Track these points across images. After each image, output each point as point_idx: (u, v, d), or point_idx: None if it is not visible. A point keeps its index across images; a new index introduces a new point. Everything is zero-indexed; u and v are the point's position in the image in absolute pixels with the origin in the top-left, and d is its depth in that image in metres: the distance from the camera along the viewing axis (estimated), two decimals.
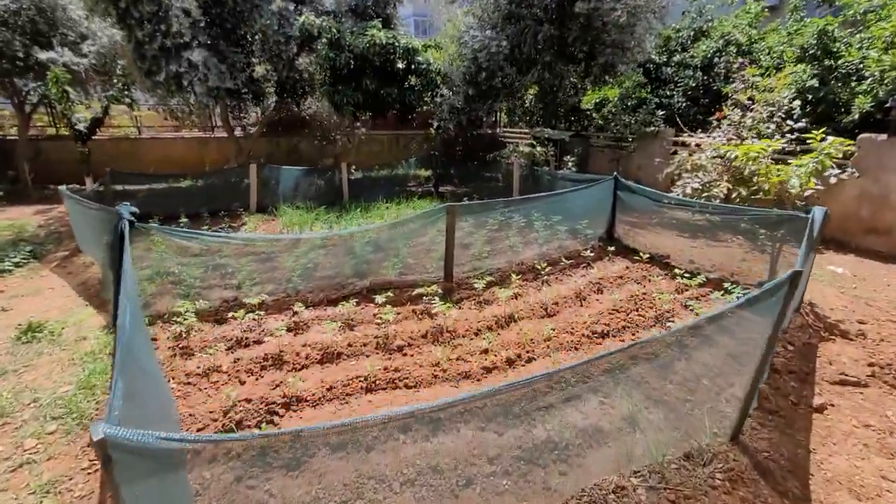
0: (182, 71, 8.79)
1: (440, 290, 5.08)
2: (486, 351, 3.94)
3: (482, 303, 5.02)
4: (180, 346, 4.06)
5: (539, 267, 5.84)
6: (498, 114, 14.78)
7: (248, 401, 3.21)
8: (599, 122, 12.18)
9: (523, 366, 3.78)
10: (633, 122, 10.40)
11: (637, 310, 4.78)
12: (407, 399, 3.32)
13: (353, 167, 13.27)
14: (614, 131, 10.84)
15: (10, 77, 11.13)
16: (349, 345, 3.99)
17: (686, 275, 5.36)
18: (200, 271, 5.27)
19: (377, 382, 3.47)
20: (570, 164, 8.86)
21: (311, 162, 14.47)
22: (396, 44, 10.40)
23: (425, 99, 12.01)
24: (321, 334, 4.15)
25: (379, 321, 4.39)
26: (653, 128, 10.15)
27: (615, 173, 6.80)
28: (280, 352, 3.86)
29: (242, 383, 3.52)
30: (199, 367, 3.68)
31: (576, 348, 4.06)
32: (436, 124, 11.89)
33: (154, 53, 8.87)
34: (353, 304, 4.83)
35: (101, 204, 8.97)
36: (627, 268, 6.06)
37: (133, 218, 4.54)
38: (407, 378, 3.52)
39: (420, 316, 4.67)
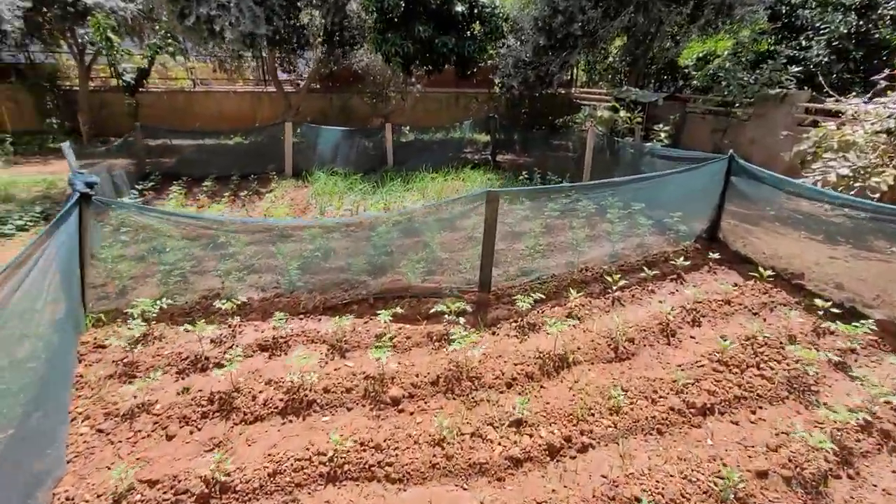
0: (213, 13, 7.85)
1: (470, 306, 3.80)
2: (518, 423, 2.65)
3: (525, 329, 3.67)
4: (126, 360, 3.18)
5: (609, 275, 4.32)
6: (574, 69, 12.61)
7: (153, 484, 2.21)
8: (701, 81, 9.78)
9: (573, 458, 2.46)
10: (750, 81, 8.04)
11: (756, 364, 3.20)
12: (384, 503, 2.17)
13: (407, 128, 12.00)
14: (722, 94, 8.52)
15: (67, 24, 10.89)
16: (327, 389, 2.87)
17: (834, 309, 3.60)
18: (185, 255, 4.38)
19: (346, 467, 2.33)
20: (661, 133, 6.93)
21: (363, 121, 13.41)
22: None
23: (489, 50, 10.27)
24: (299, 361, 3.07)
25: (378, 347, 3.23)
26: (779, 89, 7.75)
27: (731, 152, 4.92)
28: (234, 390, 2.84)
29: (169, 439, 2.54)
30: (130, 402, 2.76)
31: (659, 431, 2.64)
32: (497, 81, 10.18)
33: None
34: (353, 318, 3.70)
35: (132, 158, 8.62)
36: (738, 287, 4.35)
37: (90, 190, 3.68)
38: (392, 464, 2.35)
39: (436, 344, 3.44)
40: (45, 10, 10.17)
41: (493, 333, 3.63)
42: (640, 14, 8.26)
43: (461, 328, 3.43)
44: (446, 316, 3.52)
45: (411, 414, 2.77)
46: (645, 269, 4.53)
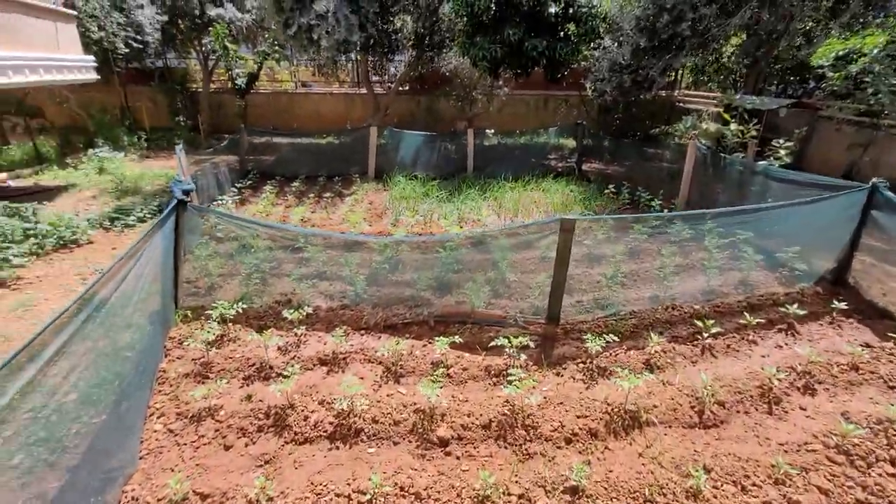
0: (312, 23, 8.30)
1: (534, 340, 3.53)
2: (574, 491, 2.37)
3: (593, 373, 3.32)
4: (202, 360, 3.41)
5: (701, 318, 3.78)
6: (679, 72, 11.46)
7: (204, 498, 2.30)
8: (840, 85, 8.29)
9: None
10: None
11: (891, 460, 2.56)
12: None
13: (491, 131, 11.81)
14: (867, 101, 7.14)
15: (195, 34, 12.27)
16: (376, 419, 2.81)
17: None
18: (265, 259, 4.64)
19: None
20: (780, 150, 5.95)
21: (449, 122, 13.45)
22: None
23: (582, 52, 9.69)
24: (354, 380, 3.06)
25: (433, 380, 3.11)
26: None
27: (874, 182, 4.05)
28: (289, 406, 2.90)
29: (227, 449, 2.65)
30: (199, 404, 2.94)
31: None
32: (590, 85, 9.57)
33: (290, 5, 8.53)
34: (412, 340, 3.64)
35: (237, 156, 9.45)
36: (871, 349, 3.56)
37: (186, 197, 4.01)
38: None
39: (493, 380, 3.24)
40: (178, 21, 11.54)
41: (558, 374, 3.34)
42: (766, 9, 7.20)
43: (521, 367, 3.19)
44: (507, 349, 3.30)
45: (458, 459, 2.61)
46: (746, 313, 3.89)
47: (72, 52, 7.18)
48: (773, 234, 4.80)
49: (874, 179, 4.13)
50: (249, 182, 8.38)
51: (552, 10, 8.51)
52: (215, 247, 4.97)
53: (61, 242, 5.45)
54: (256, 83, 13.55)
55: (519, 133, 12.53)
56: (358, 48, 9.24)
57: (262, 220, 5.94)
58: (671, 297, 4.29)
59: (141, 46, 10.51)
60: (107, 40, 9.61)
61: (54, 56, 6.62)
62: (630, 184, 7.53)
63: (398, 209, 6.92)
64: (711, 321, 3.67)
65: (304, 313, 3.76)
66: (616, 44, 8.67)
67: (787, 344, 3.69)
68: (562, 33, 9.02)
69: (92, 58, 7.83)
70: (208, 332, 3.56)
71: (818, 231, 4.55)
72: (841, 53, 9.12)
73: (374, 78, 13.84)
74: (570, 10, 8.94)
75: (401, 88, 13.24)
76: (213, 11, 10.78)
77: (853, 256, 4.45)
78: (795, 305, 3.88)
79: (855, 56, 8.76)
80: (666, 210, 6.35)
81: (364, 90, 13.95)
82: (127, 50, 10.10)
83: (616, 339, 3.48)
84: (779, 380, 3.13)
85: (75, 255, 5.39)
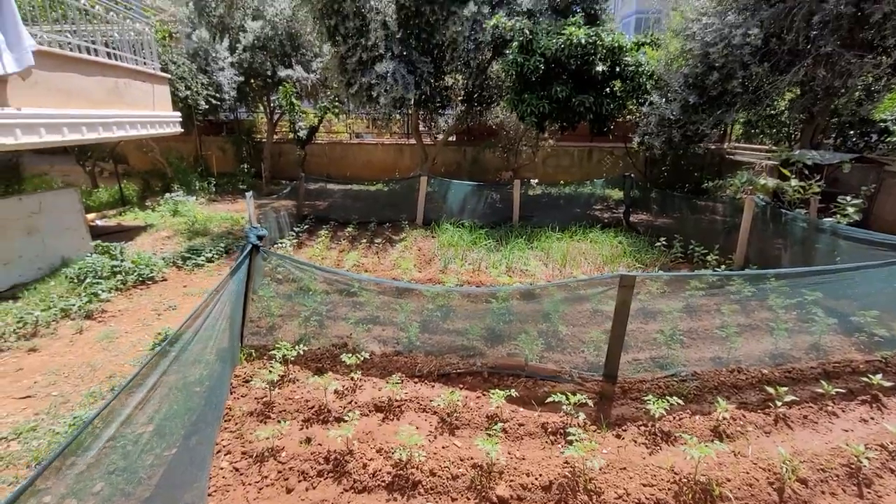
0: (373, 82, 8.99)
1: (591, 398, 3.44)
2: None
3: (657, 438, 3.17)
4: (265, 399, 3.55)
5: (772, 385, 3.57)
6: (730, 126, 11.38)
7: None
8: None
9: None
10: None
11: None
12: None
13: (536, 181, 12.05)
14: None
15: (265, 92, 13.53)
16: (433, 472, 2.80)
17: None
18: (322, 302, 4.85)
19: None
20: (848, 208, 5.70)
21: (494, 172, 13.85)
22: (598, 42, 8.65)
23: (629, 107, 9.89)
24: (410, 429, 3.08)
25: (489, 434, 3.08)
26: None
27: None
28: (348, 452, 2.94)
29: (288, 492, 2.70)
30: (263, 444, 3.04)
31: None
32: (637, 139, 9.66)
33: (353, 67, 9.32)
34: (466, 390, 3.64)
35: (295, 201, 10.07)
36: None
37: (259, 242, 4.32)
38: None
39: (551, 438, 3.16)
40: (251, 81, 12.80)
41: (618, 436, 3.21)
42: (822, 66, 7.15)
43: (580, 426, 3.11)
44: (564, 406, 3.23)
45: None
46: (822, 381, 3.64)
47: (164, 110, 8.10)
48: (847, 296, 4.54)
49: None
50: (306, 226, 8.87)
51: (599, 68, 8.80)
52: (276, 288, 5.26)
53: (140, 279, 5.94)
54: (316, 135, 14.59)
55: (564, 184, 12.70)
56: (412, 104, 9.85)
57: (320, 264, 6.24)
58: (735, 360, 4.09)
59: (218, 103, 11.68)
60: (191, 98, 10.77)
61: (150, 113, 7.49)
62: (681, 236, 7.39)
63: (447, 256, 7.08)
64: (784, 388, 3.46)
65: (361, 358, 3.86)
66: (664, 100, 8.80)
67: (872, 418, 3.40)
68: (608, 89, 9.28)
69: (178, 114, 8.78)
70: (271, 372, 3.71)
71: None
72: None
73: (423, 129, 14.57)
74: (617, 69, 9.23)
75: (448, 139, 13.86)
76: (283, 72, 11.91)
77: None
78: (879, 375, 3.60)
79: None
80: (723, 266, 6.15)
81: (413, 141, 14.70)
82: (207, 106, 11.24)
83: (679, 402, 3.33)
84: (868, 459, 2.88)
85: (151, 291, 5.84)
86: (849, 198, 5.87)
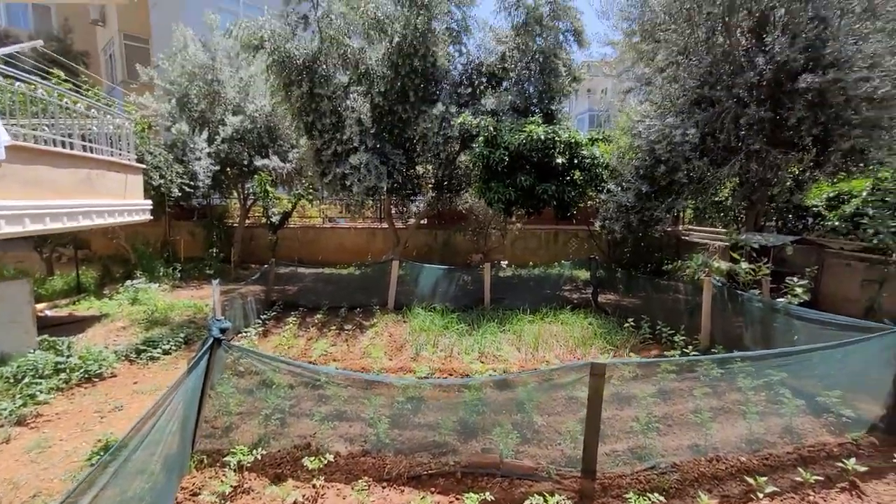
0: (347, 172, 9.39)
1: (571, 500, 3.24)
2: None
3: None
4: None
5: (751, 474, 3.48)
6: (681, 211, 12.29)
7: None
8: (836, 224, 8.78)
9: None
10: None
11: None
12: None
13: (506, 263, 12.36)
14: (869, 240, 7.46)
15: (240, 180, 13.86)
16: None
17: None
18: (286, 397, 4.58)
19: None
20: (796, 288, 6.07)
21: (465, 255, 14.18)
22: (556, 138, 9.48)
23: (589, 194, 10.62)
24: None
25: None
26: None
27: None
28: None
29: None
30: None
31: None
32: (599, 223, 10.25)
33: (328, 158, 9.78)
34: (438, 494, 3.38)
35: (264, 287, 9.88)
36: None
37: (221, 335, 4.15)
38: None
39: None
40: (227, 170, 13.14)
41: None
42: (753, 161, 8.00)
43: None
44: None
45: None
46: (800, 468, 3.59)
47: (135, 198, 8.12)
48: (810, 376, 4.65)
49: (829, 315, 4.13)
50: (274, 313, 8.63)
51: (559, 160, 9.56)
52: (237, 382, 4.95)
53: (86, 376, 5.50)
54: (289, 220, 14.78)
55: (532, 266, 13.08)
56: (384, 191, 10.25)
57: (286, 355, 6.00)
58: (713, 447, 4.02)
59: (192, 190, 11.83)
60: (164, 186, 10.89)
61: (120, 202, 7.49)
62: (648, 316, 7.56)
63: (418, 343, 6.94)
64: (763, 478, 3.38)
65: (324, 461, 3.57)
66: (620, 188, 9.52)
67: None
68: (569, 178, 10.00)
69: (149, 202, 8.81)
70: (223, 482, 3.37)
71: (856, 374, 4.41)
72: (832, 195, 9.84)
73: (395, 213, 15.04)
74: (576, 161, 10.04)
75: (420, 223, 14.28)
76: (259, 162, 12.33)
77: None
78: (853, 460, 3.59)
79: (845, 198, 9.43)
80: (690, 347, 6.26)
81: (386, 225, 15.07)
82: (180, 194, 11.35)
83: (661, 498, 3.18)
84: None
85: (97, 390, 5.37)
86: (796, 278, 6.25)
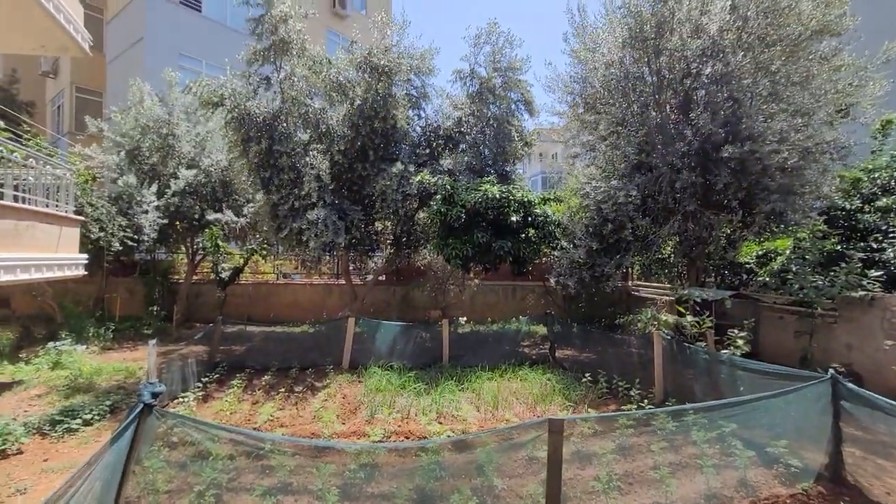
0: (304, 227, 9.27)
1: None
2: None
3: None
4: None
5: None
6: (630, 268, 12.94)
7: None
8: (767, 280, 9.53)
9: None
10: (826, 283, 7.67)
11: None
12: None
13: (464, 319, 12.30)
14: (796, 294, 8.11)
15: (189, 234, 13.32)
16: None
17: None
18: (224, 470, 4.14)
19: None
20: (738, 340, 6.42)
21: (424, 310, 14.03)
22: (511, 197, 9.92)
23: (543, 250, 11.00)
24: None
25: None
26: (863, 292, 7.27)
27: (832, 372, 4.31)
28: None
29: None
30: None
31: None
32: (553, 279, 10.55)
33: (285, 213, 9.66)
34: None
35: (208, 347, 9.22)
36: None
37: (153, 400, 3.78)
38: None
39: None
40: (177, 224, 12.64)
41: None
42: (689, 221, 8.67)
43: None
44: None
45: None
46: None
47: (68, 252, 7.56)
48: (757, 426, 4.78)
49: (831, 369, 4.41)
50: (217, 375, 8.00)
51: (514, 218, 9.94)
52: (167, 455, 4.45)
53: None
54: (240, 276, 14.20)
55: (491, 321, 13.10)
56: (342, 247, 10.16)
57: (227, 422, 5.51)
58: None
59: (135, 244, 11.22)
60: (104, 240, 10.27)
61: (51, 256, 6.94)
62: (604, 370, 7.64)
63: (374, 404, 6.59)
64: None
65: None
66: (572, 245, 9.95)
67: None
68: (523, 235, 10.37)
69: (85, 256, 8.22)
70: None
71: (798, 422, 4.58)
72: (760, 253, 10.74)
73: (353, 269, 14.85)
74: (529, 219, 10.48)
75: (378, 279, 14.12)
76: (211, 216, 11.95)
77: (841, 450, 4.39)
78: None
79: (772, 255, 10.31)
80: (646, 401, 6.33)
81: (343, 280, 14.78)
82: (121, 248, 10.72)
83: None
84: None
85: None
86: (736, 330, 6.61)
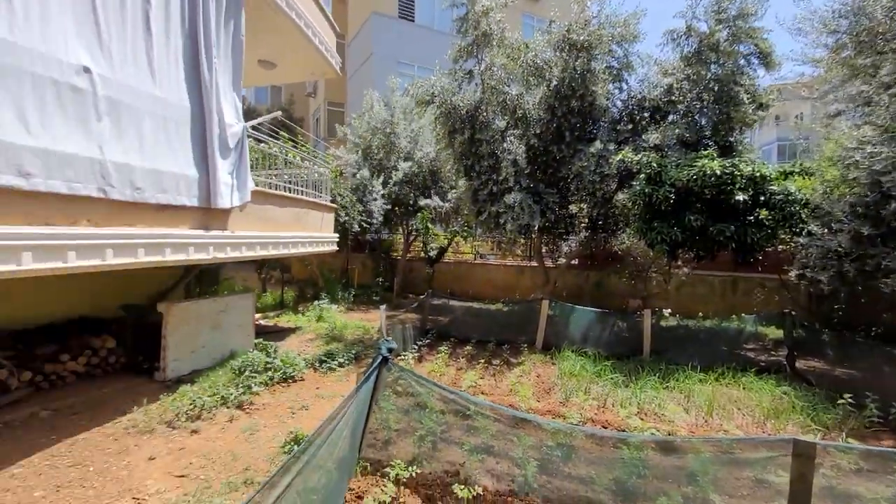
0: (501, 210, 9.77)
1: None
2: None
3: None
4: None
5: None
6: None
7: None
8: None
9: None
10: None
11: None
12: None
13: (668, 311, 11.11)
14: None
15: (405, 217, 15.54)
16: None
17: None
18: (437, 422, 4.81)
19: None
20: None
21: (619, 298, 13.21)
22: (736, 172, 8.35)
23: (780, 236, 8.94)
24: None
25: None
26: None
27: None
28: None
29: None
30: None
31: None
32: (796, 272, 8.53)
33: (484, 198, 10.34)
34: None
35: (420, 315, 10.70)
36: None
37: (389, 354, 4.63)
38: None
39: None
40: (396, 209, 14.89)
41: None
42: None
43: None
44: None
45: None
46: None
47: (328, 232, 9.81)
48: None
49: None
50: (428, 340, 9.25)
51: (739, 197, 8.34)
52: (395, 400, 5.41)
53: (284, 377, 6.66)
54: (444, 255, 15.92)
55: (702, 316, 11.44)
56: (536, 230, 10.32)
57: (439, 382, 6.33)
58: None
59: (368, 226, 13.72)
60: (348, 223, 12.87)
61: (318, 235, 9.13)
62: (876, 394, 5.84)
63: (568, 387, 6.61)
64: None
65: (473, 493, 3.62)
66: (828, 230, 7.81)
67: None
68: (752, 218, 8.62)
69: (337, 235, 10.50)
70: (383, 491, 3.67)
71: None
72: None
73: (545, 252, 14.92)
74: (762, 197, 8.63)
75: (571, 263, 13.86)
76: (422, 201, 13.70)
77: None
78: None
79: None
80: None
81: (534, 263, 15.03)
82: (359, 229, 13.26)
83: None
84: None
85: (290, 390, 6.46)
86: None
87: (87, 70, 4.39)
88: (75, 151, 4.26)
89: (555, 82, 9.94)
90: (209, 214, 5.93)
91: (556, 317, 9.70)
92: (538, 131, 10.16)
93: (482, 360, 8.00)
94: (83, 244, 4.33)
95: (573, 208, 11.92)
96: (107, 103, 4.57)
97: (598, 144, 9.59)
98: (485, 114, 10.79)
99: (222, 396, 5.71)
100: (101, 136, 4.52)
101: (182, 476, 4.17)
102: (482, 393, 6.42)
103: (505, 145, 9.93)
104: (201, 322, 6.95)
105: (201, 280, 9.46)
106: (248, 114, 6.93)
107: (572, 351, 8.41)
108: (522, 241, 15.04)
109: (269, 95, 29.55)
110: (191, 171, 5.62)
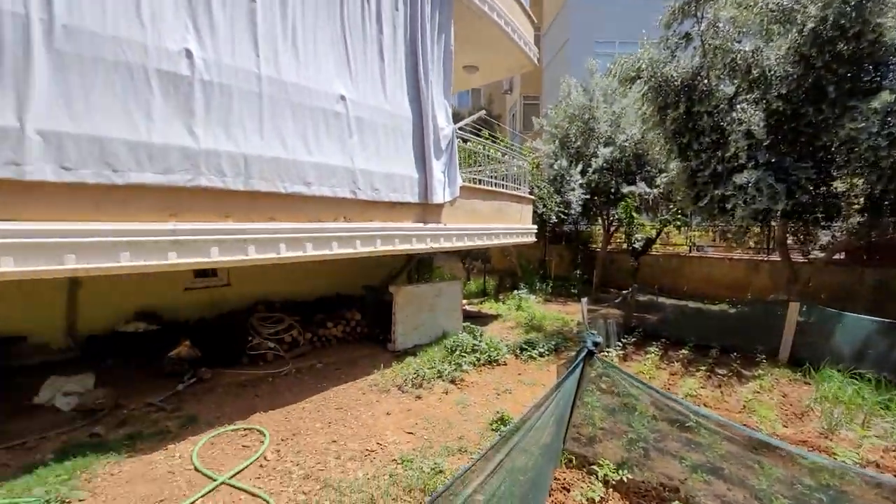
0: (727, 194, 8.21)
1: None
2: None
3: None
4: None
5: None
6: None
7: None
8: None
9: None
10: None
11: None
12: None
13: None
14: None
15: (605, 207, 14.67)
16: None
17: None
18: (649, 428, 4.37)
19: None
20: None
21: None
22: None
23: None
24: None
25: None
26: None
27: None
28: None
29: None
30: None
31: None
32: None
33: (704, 180, 8.87)
34: None
35: (623, 311, 9.92)
36: None
37: (594, 348, 4.44)
38: None
39: None
40: (595, 198, 14.14)
41: None
42: None
43: None
44: None
45: None
46: None
47: (526, 224, 10.01)
48: None
49: None
50: (633, 339, 8.52)
51: None
52: (599, 397, 5.16)
53: (489, 360, 7.13)
54: (651, 248, 14.40)
55: None
56: (778, 215, 8.33)
57: (652, 385, 5.78)
58: None
59: (566, 217, 13.43)
60: (545, 214, 12.87)
61: (517, 226, 9.42)
62: None
63: (832, 416, 5.14)
64: None
65: None
66: None
67: None
68: None
69: (535, 227, 10.60)
70: (592, 489, 3.56)
71: None
72: None
73: (791, 241, 11.90)
74: None
75: (832, 257, 10.71)
76: (625, 189, 12.62)
77: None
78: None
79: None
80: None
81: (774, 257, 12.18)
82: (556, 220, 13.12)
83: None
84: None
85: (495, 372, 6.88)
86: None
87: (343, 98, 5.53)
88: (337, 163, 5.43)
89: (810, 24, 7.75)
90: (426, 209, 6.77)
91: (811, 324, 7.64)
92: (783, 91, 8.12)
93: (703, 368, 6.93)
94: (342, 236, 5.51)
95: (838, 185, 9.15)
96: (356, 122, 5.67)
97: (885, 96, 7.09)
98: (706, 81, 9.21)
99: (438, 370, 6.46)
100: (353, 149, 5.64)
101: (410, 433, 4.90)
102: (704, 404, 5.57)
103: (734, 115, 8.27)
104: (421, 304, 8.00)
105: (419, 268, 10.89)
106: (452, 117, 7.60)
107: (838, 370, 6.51)
108: (757, 229, 12.38)
109: (470, 98, 31.82)
110: (413, 171, 6.51)
